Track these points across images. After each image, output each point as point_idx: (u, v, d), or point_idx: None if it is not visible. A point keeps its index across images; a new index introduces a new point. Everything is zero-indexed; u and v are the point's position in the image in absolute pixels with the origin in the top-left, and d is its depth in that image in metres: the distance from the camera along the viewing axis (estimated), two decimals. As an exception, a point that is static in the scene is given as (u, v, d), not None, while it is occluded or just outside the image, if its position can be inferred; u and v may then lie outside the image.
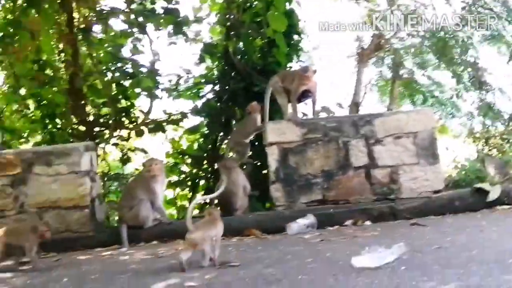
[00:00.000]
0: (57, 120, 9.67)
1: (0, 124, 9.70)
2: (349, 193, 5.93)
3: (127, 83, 9.58)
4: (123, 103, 9.66)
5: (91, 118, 9.67)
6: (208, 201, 6.90)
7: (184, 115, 9.60)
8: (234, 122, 8.72)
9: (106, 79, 9.60)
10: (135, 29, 9.40)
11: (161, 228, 5.72)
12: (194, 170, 9.21)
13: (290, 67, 8.78)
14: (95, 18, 9.58)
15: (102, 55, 9.91)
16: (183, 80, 9.82)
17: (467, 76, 11.01)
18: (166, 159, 9.59)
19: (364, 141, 6.02)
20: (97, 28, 9.81)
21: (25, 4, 8.70)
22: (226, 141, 8.34)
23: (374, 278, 3.48)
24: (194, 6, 9.85)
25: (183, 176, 9.39)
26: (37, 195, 5.76)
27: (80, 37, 9.44)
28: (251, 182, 6.47)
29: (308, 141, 6.03)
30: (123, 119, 9.52)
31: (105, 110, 9.78)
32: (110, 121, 9.42)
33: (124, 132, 9.66)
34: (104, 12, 9.52)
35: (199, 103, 9.45)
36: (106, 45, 9.83)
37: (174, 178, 9.37)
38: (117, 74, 9.59)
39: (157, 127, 9.60)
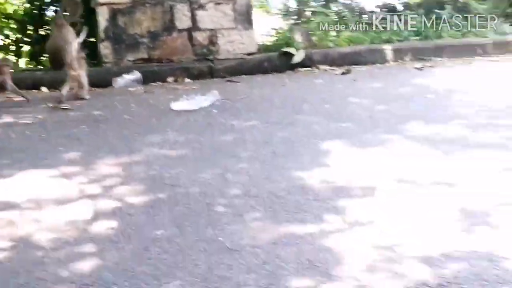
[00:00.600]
0: None
1: None
2: (172, 53, 6.39)
3: None
4: None
5: None
6: None
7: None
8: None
9: None
10: None
11: None
12: (19, 35, 8.89)
13: None
14: None
15: None
16: None
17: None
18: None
19: (188, 5, 6.43)
20: None
21: None
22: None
23: (191, 118, 4.12)
24: None
25: (8, 41, 9.02)
26: None
27: None
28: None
29: (136, 3, 6.30)
30: None
31: None
32: None
33: None
34: None
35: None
36: None
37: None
38: None
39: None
